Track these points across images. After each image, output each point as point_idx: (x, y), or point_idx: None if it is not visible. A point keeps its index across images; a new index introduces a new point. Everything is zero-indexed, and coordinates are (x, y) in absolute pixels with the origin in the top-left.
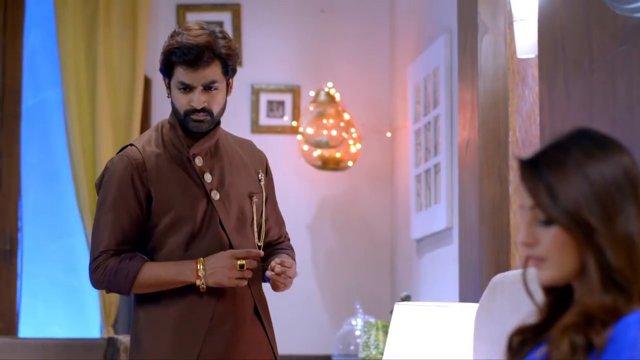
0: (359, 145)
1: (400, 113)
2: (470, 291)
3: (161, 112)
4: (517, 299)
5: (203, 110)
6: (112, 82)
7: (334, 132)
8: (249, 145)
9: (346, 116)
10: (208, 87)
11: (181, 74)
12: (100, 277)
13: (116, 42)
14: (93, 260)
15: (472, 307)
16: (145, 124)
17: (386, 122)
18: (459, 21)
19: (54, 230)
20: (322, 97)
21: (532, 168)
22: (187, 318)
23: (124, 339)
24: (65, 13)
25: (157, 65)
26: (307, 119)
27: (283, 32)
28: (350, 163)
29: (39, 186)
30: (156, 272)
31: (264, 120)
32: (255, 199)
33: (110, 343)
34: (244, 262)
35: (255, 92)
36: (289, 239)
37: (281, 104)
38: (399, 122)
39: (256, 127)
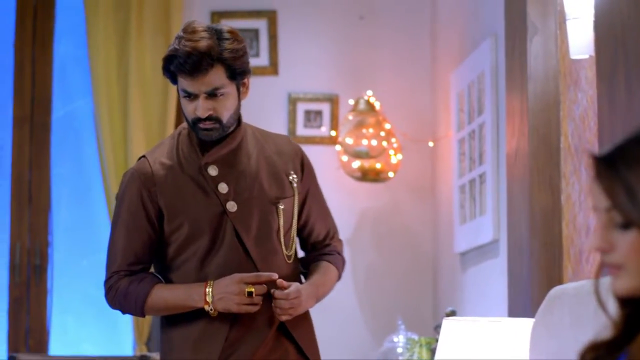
0: (400, 156)
1: (443, 121)
2: (520, 306)
3: None
4: (577, 312)
5: (209, 118)
6: (145, 92)
7: (374, 142)
8: (282, 142)
9: (387, 125)
10: (212, 94)
11: (182, 82)
12: (113, 300)
13: (148, 51)
14: (106, 281)
15: (526, 322)
16: None
17: (428, 131)
18: (507, 23)
19: (85, 245)
20: (362, 105)
21: (608, 165)
22: (202, 342)
23: (157, 356)
24: (96, 21)
25: None
26: (346, 129)
27: (321, 40)
28: (391, 174)
29: (70, 199)
30: (164, 297)
31: (301, 130)
32: (281, 206)
33: None
34: (252, 289)
35: (292, 102)
36: (338, 239)
37: (319, 113)
38: (441, 131)
39: (293, 138)
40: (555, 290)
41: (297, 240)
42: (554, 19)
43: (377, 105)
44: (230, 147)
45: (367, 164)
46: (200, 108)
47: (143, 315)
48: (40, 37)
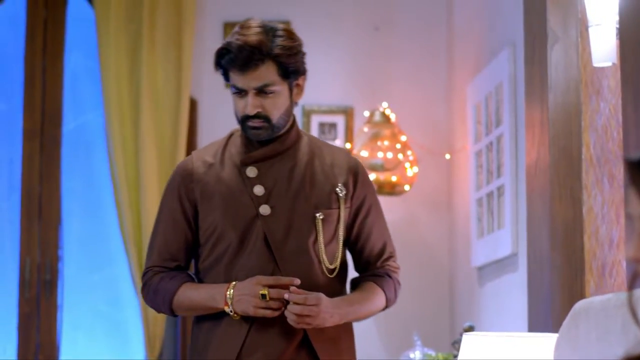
0: (416, 168)
1: (460, 133)
2: (541, 321)
3: (208, 135)
4: (604, 327)
5: (258, 116)
6: (157, 104)
7: (389, 155)
8: (339, 154)
9: (402, 138)
10: (262, 91)
11: (233, 77)
12: (146, 296)
13: (161, 62)
14: (142, 276)
15: (549, 338)
16: (191, 148)
17: (444, 143)
18: (526, 31)
19: (96, 260)
20: (377, 117)
21: None
22: (221, 344)
23: None
24: (107, 33)
25: (204, 86)
26: (361, 141)
27: (335, 51)
28: (406, 187)
29: (80, 213)
30: (190, 296)
31: None
32: (320, 216)
33: None
34: (265, 291)
35: (307, 114)
36: (394, 263)
37: (333, 126)
38: (458, 143)
39: None
40: (580, 304)
41: (347, 257)
42: (575, 27)
43: (393, 117)
44: (276, 150)
45: (382, 176)
46: (249, 105)
47: (173, 314)
48: (51, 49)
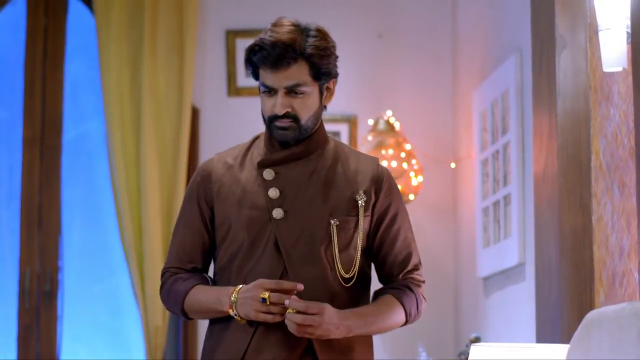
0: (420, 177)
1: (465, 142)
2: (549, 332)
3: (209, 143)
4: (618, 337)
5: (287, 116)
6: (158, 112)
7: (394, 164)
8: (365, 162)
9: (407, 146)
10: (292, 91)
11: (263, 75)
12: (162, 297)
13: (162, 70)
14: (160, 277)
15: (560, 348)
16: (193, 157)
17: (449, 151)
18: (533, 36)
19: (97, 270)
20: (381, 126)
21: None
22: (227, 348)
23: None
24: (108, 41)
25: (205, 94)
26: (365, 150)
27: (339, 58)
28: (411, 196)
29: (81, 223)
30: (199, 298)
31: None
32: (335, 222)
33: None
34: (266, 295)
35: None
36: (418, 276)
37: (337, 134)
38: (463, 151)
39: None
40: (593, 313)
41: (367, 266)
42: (584, 31)
43: (397, 125)
44: (297, 154)
45: None
46: (278, 104)
47: (185, 316)
48: (51, 56)
